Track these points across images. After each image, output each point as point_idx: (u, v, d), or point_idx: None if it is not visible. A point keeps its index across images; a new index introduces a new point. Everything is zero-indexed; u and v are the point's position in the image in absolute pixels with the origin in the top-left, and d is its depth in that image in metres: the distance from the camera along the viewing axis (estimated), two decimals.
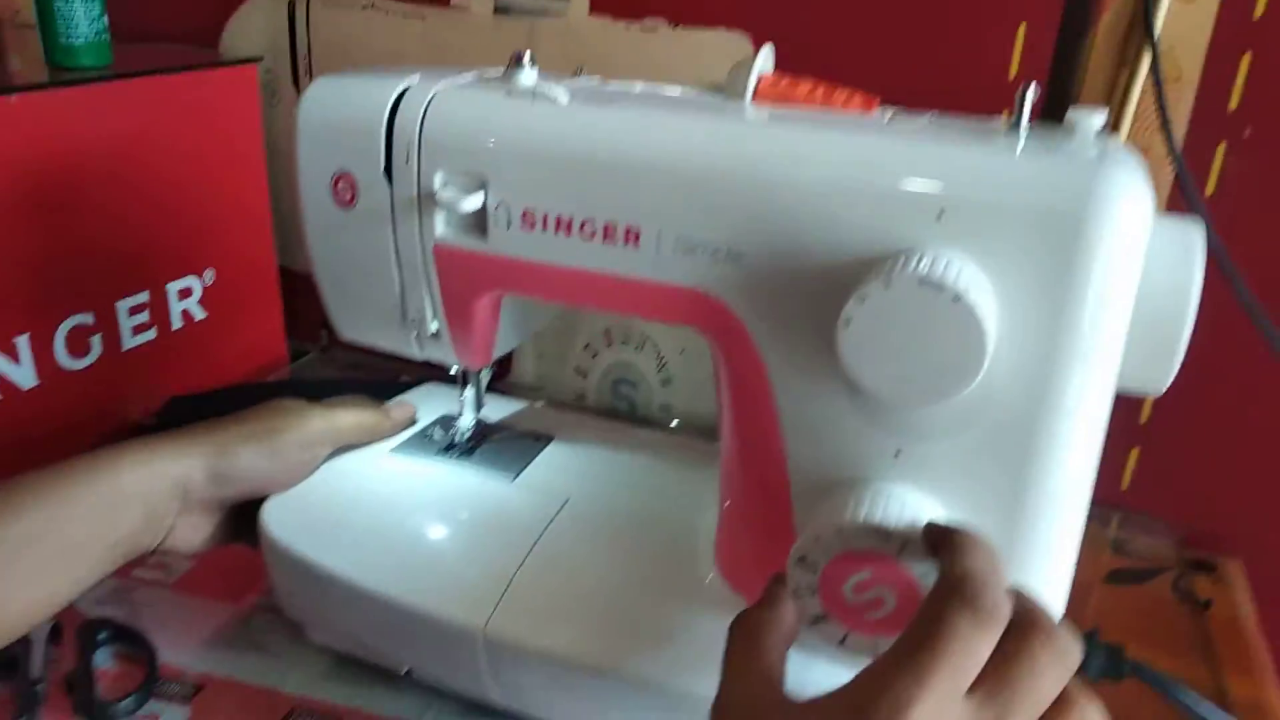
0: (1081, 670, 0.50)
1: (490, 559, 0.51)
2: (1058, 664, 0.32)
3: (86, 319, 0.74)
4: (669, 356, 0.83)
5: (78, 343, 0.73)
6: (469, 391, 0.59)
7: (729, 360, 0.45)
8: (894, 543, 0.38)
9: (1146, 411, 0.72)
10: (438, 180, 0.45)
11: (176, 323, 0.82)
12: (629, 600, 0.49)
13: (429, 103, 0.46)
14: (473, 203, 0.45)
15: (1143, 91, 0.63)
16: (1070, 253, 0.36)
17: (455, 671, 0.50)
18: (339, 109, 0.48)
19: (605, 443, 0.62)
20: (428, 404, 0.64)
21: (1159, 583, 0.67)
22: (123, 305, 0.76)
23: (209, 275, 0.84)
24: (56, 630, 0.56)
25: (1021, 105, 0.40)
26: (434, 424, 0.62)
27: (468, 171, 0.45)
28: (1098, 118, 0.40)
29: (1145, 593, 0.66)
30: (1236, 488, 0.71)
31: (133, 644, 0.56)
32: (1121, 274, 0.37)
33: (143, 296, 0.78)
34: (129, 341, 0.78)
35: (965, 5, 0.66)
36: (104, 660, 0.55)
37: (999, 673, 0.31)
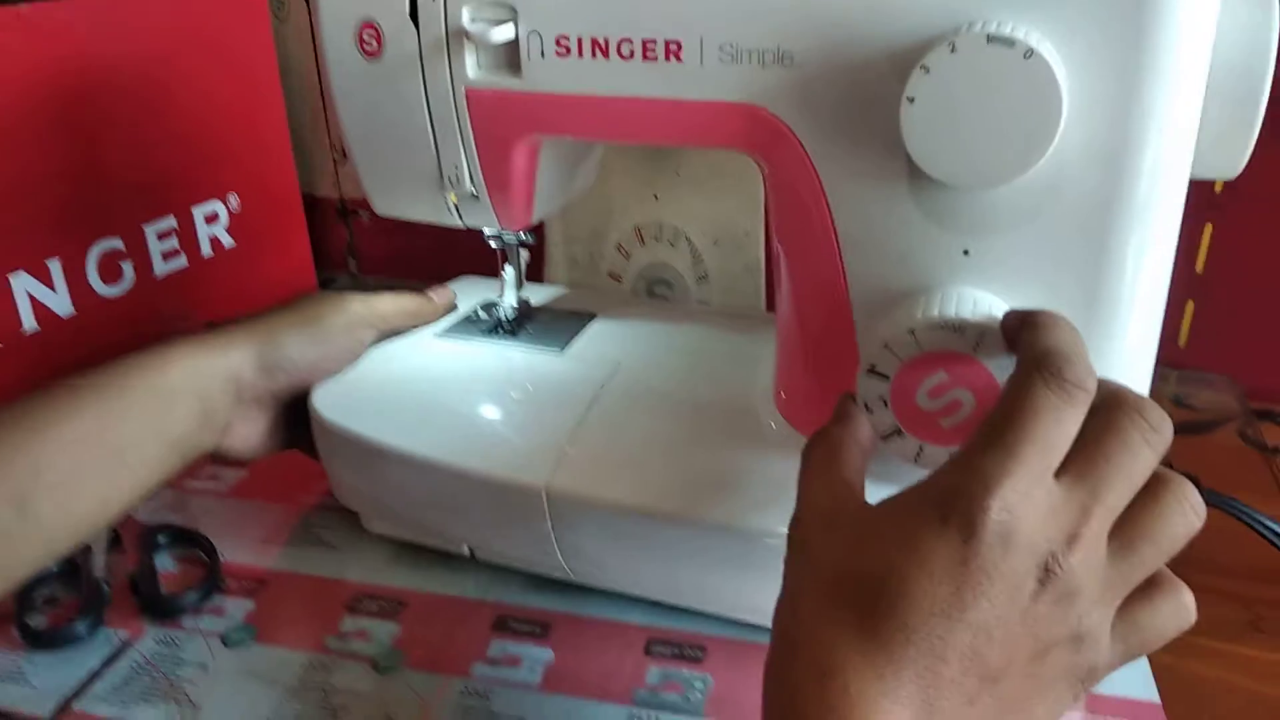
0: None
1: (547, 422, 0.49)
2: (1149, 441, 0.30)
3: (116, 243, 0.73)
4: (704, 249, 0.81)
5: (110, 268, 0.73)
6: (509, 271, 0.58)
7: (780, 182, 0.43)
8: (969, 337, 0.36)
9: (1201, 260, 0.70)
10: (465, 15, 0.44)
11: (206, 249, 0.81)
12: (692, 450, 0.47)
13: None
14: (504, 33, 0.43)
15: None
16: (1140, 12, 0.34)
17: (518, 539, 0.49)
18: None
19: (649, 318, 0.60)
20: (466, 293, 0.63)
21: (1225, 431, 0.65)
22: (151, 229, 0.76)
23: (233, 201, 0.83)
24: (116, 538, 0.56)
25: None
26: (476, 308, 0.60)
27: (497, 3, 0.43)
28: None
29: (1211, 441, 0.64)
30: None
31: (193, 545, 0.56)
32: (1194, 36, 0.35)
33: (169, 221, 0.77)
34: (161, 268, 0.77)
35: None
36: (165, 563, 0.55)
37: (1088, 453, 0.30)
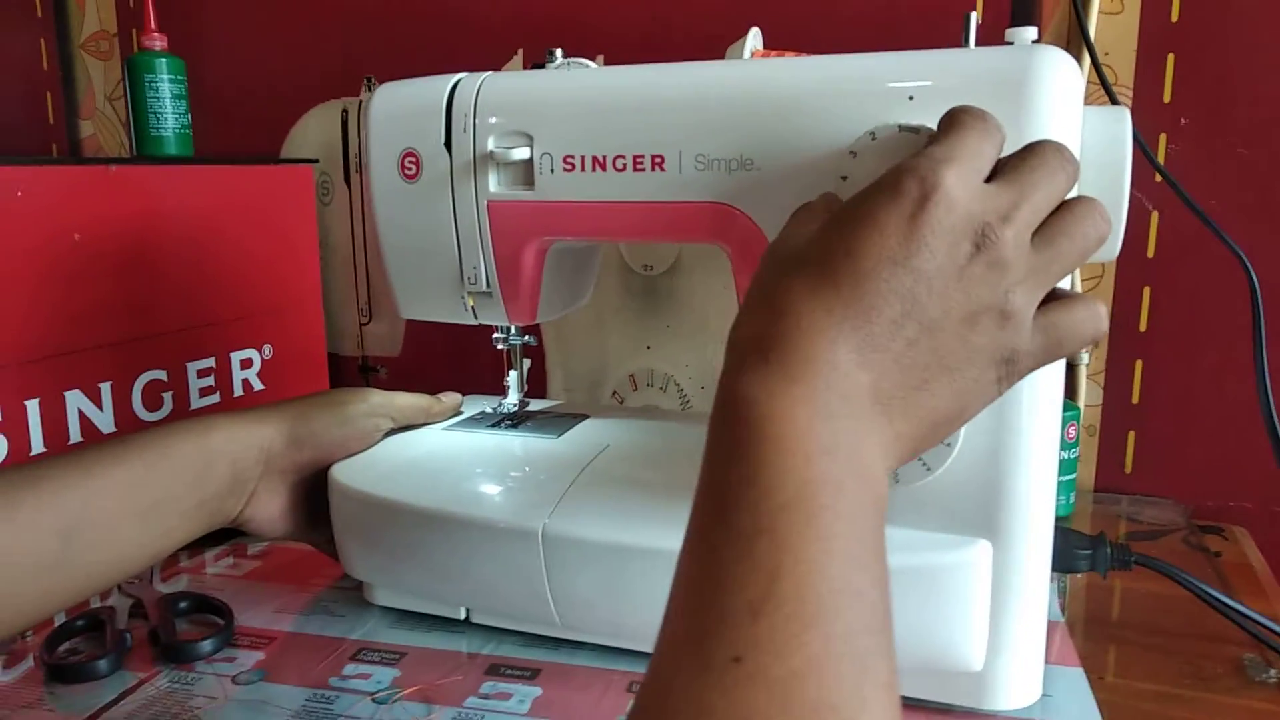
0: (1093, 564, 0.54)
1: (544, 482, 0.55)
2: (1067, 166, 0.37)
3: (161, 375, 0.81)
4: (691, 394, 0.89)
5: (152, 397, 0.80)
6: (513, 375, 0.66)
7: (745, 267, 0.52)
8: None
9: (1136, 392, 0.77)
10: (491, 141, 0.54)
11: (238, 390, 0.89)
12: (673, 498, 0.53)
13: (481, 84, 0.55)
14: (521, 154, 0.53)
15: (1090, 94, 0.73)
16: (1018, 114, 0.44)
17: (513, 589, 0.54)
18: (404, 101, 0.57)
19: (637, 418, 0.67)
20: (474, 406, 0.70)
21: (1172, 539, 0.71)
22: (192, 367, 0.84)
23: (267, 350, 0.92)
24: (138, 604, 0.60)
25: (967, 27, 0.49)
26: (482, 410, 0.68)
27: (517, 132, 0.54)
28: (1030, 31, 0.49)
29: (1160, 546, 0.69)
30: (1233, 457, 0.76)
31: (211, 610, 0.60)
32: (1062, 133, 0.44)
33: (210, 362, 0.86)
34: (196, 401, 0.85)
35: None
36: (183, 625, 0.59)
37: (1015, 164, 0.37)
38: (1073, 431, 0.73)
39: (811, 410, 0.31)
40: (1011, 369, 0.35)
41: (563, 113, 0.53)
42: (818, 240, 0.36)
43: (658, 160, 0.51)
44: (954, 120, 0.37)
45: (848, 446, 0.32)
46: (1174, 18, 0.72)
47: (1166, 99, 0.73)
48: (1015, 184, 0.36)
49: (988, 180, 0.36)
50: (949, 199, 0.34)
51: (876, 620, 0.29)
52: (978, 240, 0.34)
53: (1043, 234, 0.36)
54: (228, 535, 0.66)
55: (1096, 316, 0.37)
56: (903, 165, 0.35)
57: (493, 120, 0.54)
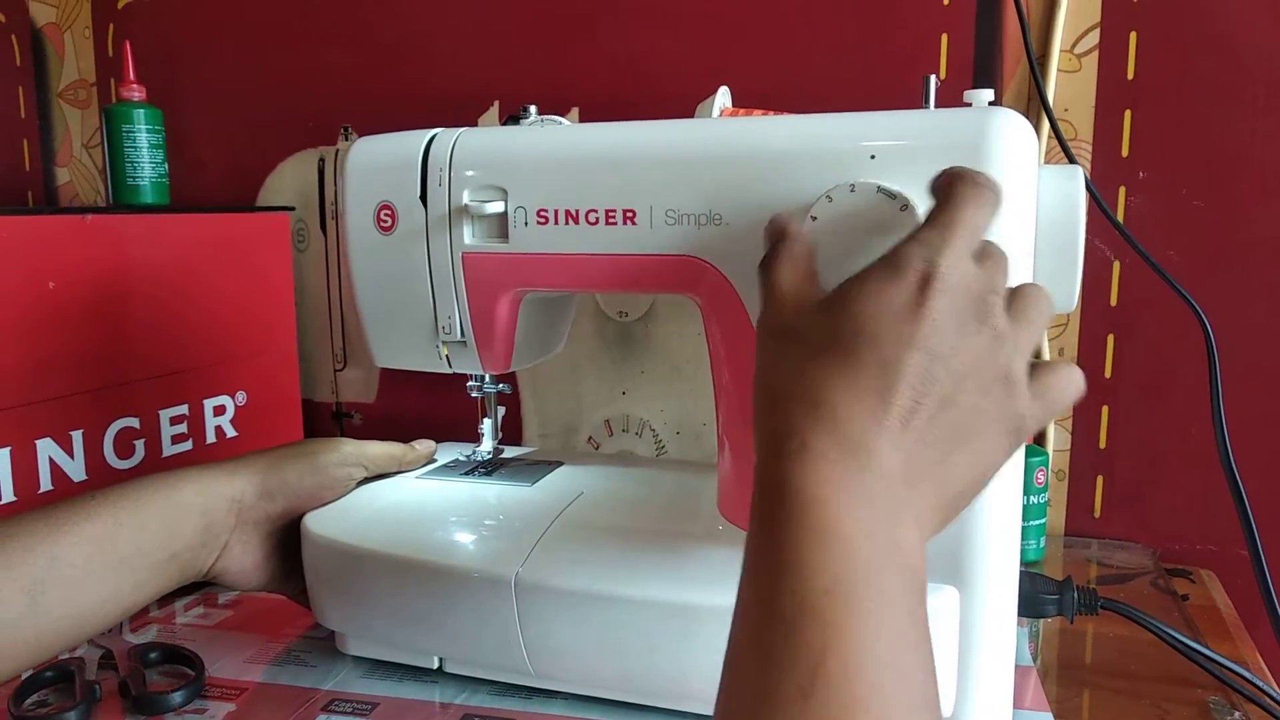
0: (1060, 609, 0.55)
1: (517, 531, 0.56)
2: (993, 198, 0.40)
3: (133, 422, 0.81)
4: (666, 439, 0.90)
5: (124, 444, 0.80)
6: (487, 422, 0.66)
7: (715, 315, 0.53)
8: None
9: (1103, 437, 0.79)
10: (466, 195, 0.55)
11: (211, 437, 0.89)
12: (646, 546, 0.54)
13: (456, 140, 0.56)
14: (496, 207, 0.54)
15: (1048, 150, 0.75)
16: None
17: (486, 638, 0.54)
18: (380, 156, 0.58)
19: (611, 464, 0.68)
20: (447, 454, 0.70)
21: (1141, 582, 0.72)
22: (165, 414, 0.84)
23: (241, 397, 0.92)
24: (108, 654, 0.60)
25: (927, 89, 0.51)
26: (456, 457, 0.68)
27: (491, 186, 0.55)
28: (986, 94, 0.51)
29: (1129, 589, 0.70)
30: (1199, 501, 0.77)
31: (182, 661, 0.60)
32: (1018, 191, 0.46)
33: (183, 409, 0.86)
34: (169, 449, 0.84)
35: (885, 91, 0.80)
36: (154, 676, 0.59)
37: (986, 248, 0.39)
38: (1041, 476, 0.74)
39: (850, 495, 0.33)
40: (1020, 434, 0.38)
41: (536, 168, 0.54)
42: (831, 324, 0.38)
43: (629, 214, 0.52)
44: (949, 193, 0.39)
45: (886, 528, 0.34)
46: (1130, 75, 0.74)
47: (1125, 153, 0.75)
48: (989, 264, 0.38)
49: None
50: (949, 283, 0.36)
51: (922, 699, 0.31)
52: (980, 315, 0.37)
53: (1015, 306, 0.39)
54: (199, 584, 0.66)
55: (1077, 378, 0.40)
56: (903, 251, 0.38)
57: (467, 174, 0.56)
